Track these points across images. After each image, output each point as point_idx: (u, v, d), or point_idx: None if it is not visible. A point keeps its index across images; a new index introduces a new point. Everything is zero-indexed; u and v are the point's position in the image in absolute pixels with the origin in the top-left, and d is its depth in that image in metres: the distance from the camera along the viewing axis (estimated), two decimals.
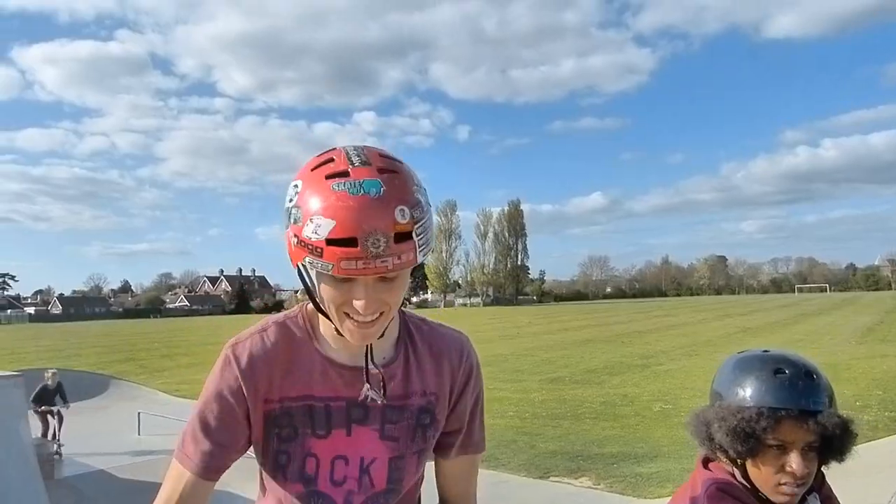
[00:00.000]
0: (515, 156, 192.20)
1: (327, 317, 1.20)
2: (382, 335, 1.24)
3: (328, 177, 1.09)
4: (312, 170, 1.12)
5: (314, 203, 1.08)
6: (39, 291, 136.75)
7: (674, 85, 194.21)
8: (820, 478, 1.51)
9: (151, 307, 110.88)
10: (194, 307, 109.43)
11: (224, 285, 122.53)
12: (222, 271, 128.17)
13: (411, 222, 1.09)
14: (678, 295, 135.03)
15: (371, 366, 1.25)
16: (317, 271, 1.12)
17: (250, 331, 1.30)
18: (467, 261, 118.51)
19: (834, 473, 1.46)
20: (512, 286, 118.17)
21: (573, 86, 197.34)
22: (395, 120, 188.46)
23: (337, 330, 1.21)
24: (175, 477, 1.27)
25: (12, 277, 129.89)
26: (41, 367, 16.75)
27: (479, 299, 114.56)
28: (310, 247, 1.08)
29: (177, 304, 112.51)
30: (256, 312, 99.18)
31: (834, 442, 1.34)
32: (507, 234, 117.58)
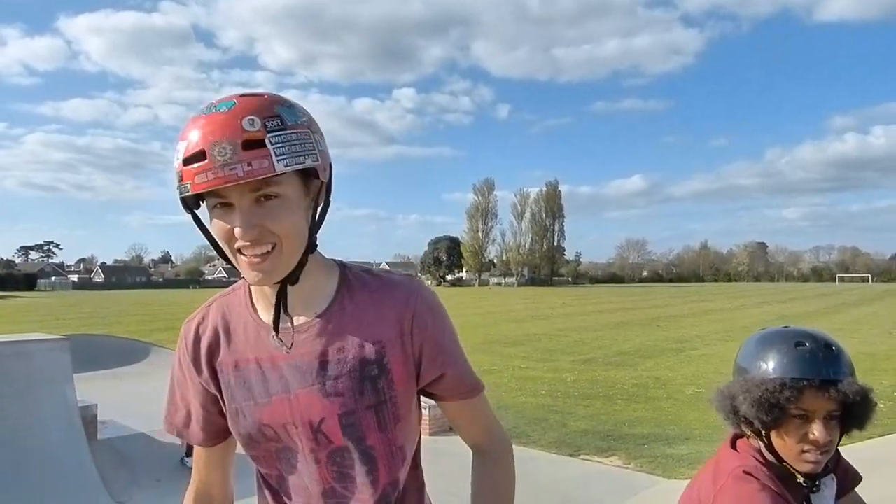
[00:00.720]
0: (556, 136, 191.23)
1: (230, 264, 1.18)
2: (294, 281, 1.20)
3: (194, 115, 1.13)
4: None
5: (180, 137, 1.11)
6: (83, 260, 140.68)
7: (720, 67, 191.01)
8: (836, 456, 1.58)
9: (191, 278, 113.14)
10: (232, 279, 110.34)
11: None
12: None
13: (262, 130, 1.07)
14: (716, 281, 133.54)
15: (285, 318, 1.21)
16: (209, 211, 1.14)
17: (201, 308, 1.35)
18: (503, 240, 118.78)
19: (868, 465, 1.49)
20: (547, 267, 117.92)
21: (617, 66, 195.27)
22: (435, 97, 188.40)
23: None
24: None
25: (57, 245, 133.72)
26: (85, 333, 17.27)
27: (513, 279, 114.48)
28: (177, 175, 1.09)
29: (215, 276, 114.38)
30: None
31: (854, 410, 1.42)
32: (544, 215, 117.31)
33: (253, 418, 1.24)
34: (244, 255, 1.12)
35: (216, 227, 1.12)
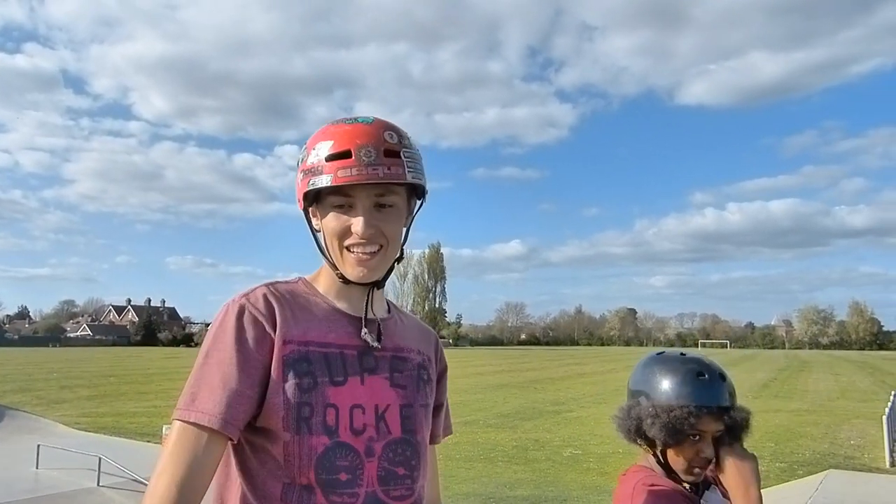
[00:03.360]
0: (438, 199, 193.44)
1: (330, 263, 1.33)
2: (382, 285, 1.38)
3: (331, 123, 1.32)
4: (323, 128, 1.33)
5: (317, 139, 1.29)
6: None
7: (592, 141, 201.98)
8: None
9: (51, 335, 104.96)
10: (98, 337, 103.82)
11: (131, 315, 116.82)
12: (129, 300, 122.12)
13: (399, 145, 1.27)
14: (589, 344, 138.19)
15: (371, 314, 1.35)
16: (321, 210, 1.29)
17: (253, 286, 1.32)
18: None
19: None
20: None
21: (496, 134, 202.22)
22: None
23: (341, 277, 1.32)
24: (186, 440, 1.16)
25: None
26: None
27: None
28: (312, 170, 1.26)
29: (79, 333, 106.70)
30: (164, 345, 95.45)
31: (736, 430, 1.67)
32: (426, 277, 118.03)
33: (322, 395, 1.23)
34: (354, 251, 1.28)
35: (333, 222, 1.28)
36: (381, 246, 1.29)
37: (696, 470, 1.67)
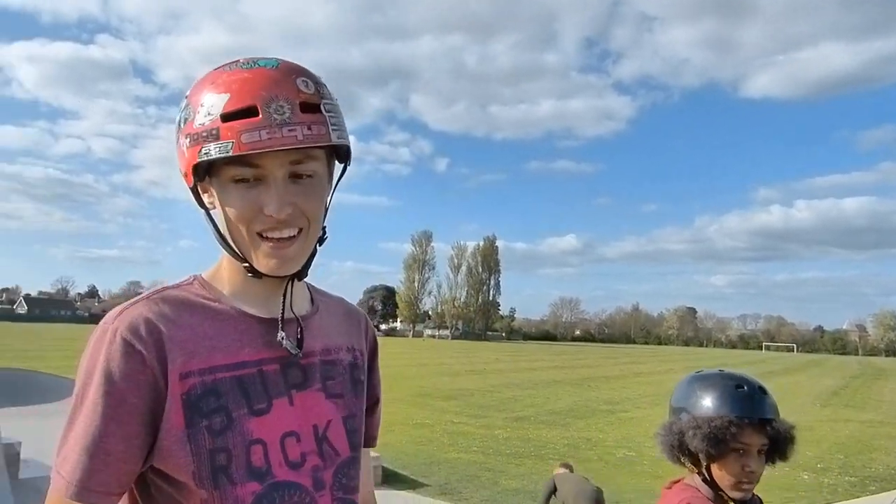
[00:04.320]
0: (492, 191, 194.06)
1: (235, 255, 1.02)
2: (303, 276, 1.06)
3: (217, 68, 1.00)
4: (202, 76, 1.01)
5: (204, 92, 0.96)
6: (6, 290, 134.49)
7: (651, 134, 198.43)
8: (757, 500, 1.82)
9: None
10: None
11: None
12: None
13: (317, 95, 0.97)
14: (646, 343, 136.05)
15: (289, 313, 1.05)
16: (219, 186, 0.98)
17: (132, 301, 1.01)
18: (439, 292, 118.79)
19: None
20: (482, 321, 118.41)
21: (551, 126, 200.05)
22: (375, 146, 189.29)
23: (250, 269, 1.01)
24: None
25: None
26: (8, 368, 16.50)
27: (447, 332, 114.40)
28: (204, 134, 0.93)
29: None
30: None
31: (780, 444, 1.69)
32: (480, 269, 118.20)
33: (241, 432, 0.97)
34: (267, 237, 0.98)
35: (237, 202, 0.97)
36: (301, 229, 0.99)
37: (745, 486, 1.67)
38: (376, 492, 1.34)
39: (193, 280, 1.07)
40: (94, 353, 0.94)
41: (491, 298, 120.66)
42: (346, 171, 1.06)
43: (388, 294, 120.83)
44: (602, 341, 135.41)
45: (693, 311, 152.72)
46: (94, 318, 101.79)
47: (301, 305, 1.11)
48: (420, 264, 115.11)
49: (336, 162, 1.05)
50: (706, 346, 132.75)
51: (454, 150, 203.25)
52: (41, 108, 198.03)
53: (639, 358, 54.69)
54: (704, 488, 1.72)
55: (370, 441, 1.24)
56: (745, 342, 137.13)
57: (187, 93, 1.00)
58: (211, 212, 1.02)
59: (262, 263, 0.99)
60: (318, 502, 1.02)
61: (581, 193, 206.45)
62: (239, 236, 0.99)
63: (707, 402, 1.72)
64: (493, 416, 15.05)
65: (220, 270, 1.08)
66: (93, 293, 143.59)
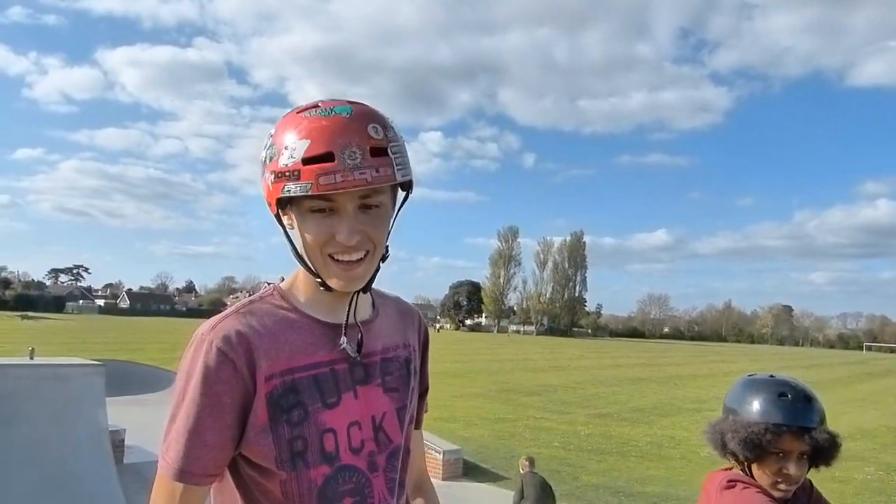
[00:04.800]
0: (580, 186, 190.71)
1: (310, 270, 1.18)
2: (368, 290, 1.23)
3: (299, 111, 1.14)
4: (284, 115, 1.16)
5: (287, 135, 1.10)
6: (109, 285, 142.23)
7: (748, 126, 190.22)
8: (809, 485, 1.92)
9: (213, 308, 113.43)
10: None
11: None
12: (283, 278, 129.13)
13: (385, 140, 1.10)
14: (738, 342, 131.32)
15: (351, 320, 1.22)
16: (298, 214, 1.13)
17: (224, 314, 1.18)
18: (524, 288, 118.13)
19: None
20: (567, 317, 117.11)
21: (642, 119, 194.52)
22: (462, 142, 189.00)
23: (322, 284, 1.18)
24: (161, 488, 1.13)
25: (86, 269, 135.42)
26: (113, 359, 17.59)
27: (532, 328, 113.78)
28: (287, 173, 1.08)
29: None
30: None
31: (822, 452, 1.73)
32: (566, 265, 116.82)
33: (316, 423, 1.15)
34: (338, 259, 1.14)
35: (313, 230, 1.12)
36: (368, 252, 1.15)
37: (781, 486, 1.75)
38: (458, 483, 1.64)
39: (273, 290, 1.25)
40: (193, 359, 1.12)
41: (577, 294, 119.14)
42: (408, 199, 1.22)
43: (474, 289, 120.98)
44: (692, 339, 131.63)
45: (789, 308, 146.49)
46: (192, 313, 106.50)
47: (364, 311, 1.28)
48: (506, 260, 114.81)
49: (400, 190, 1.20)
50: (802, 346, 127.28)
51: (542, 145, 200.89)
52: (142, 110, 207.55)
53: (729, 356, 53.05)
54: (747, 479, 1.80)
55: (418, 424, 1.43)
56: (845, 342, 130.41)
57: (271, 131, 1.16)
58: (289, 231, 1.18)
59: (335, 282, 1.16)
60: (372, 482, 1.21)
61: (673, 188, 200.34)
62: (314, 256, 1.15)
63: (750, 407, 1.80)
64: (576, 412, 15.03)
65: (297, 282, 1.26)
66: (190, 288, 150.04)
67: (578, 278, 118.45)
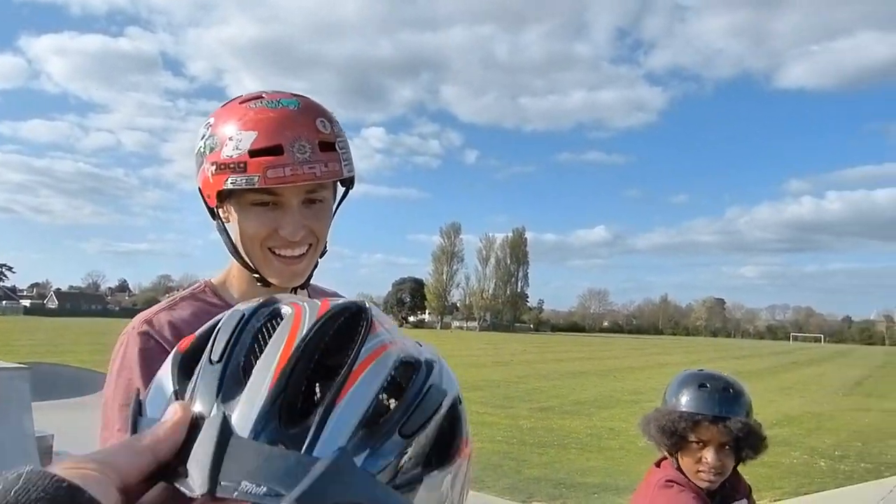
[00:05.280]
0: (521, 183, 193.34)
1: (246, 266, 1.15)
2: (307, 284, 1.23)
3: (242, 101, 1.11)
4: (224, 105, 1.13)
5: (231, 125, 1.07)
6: (36, 284, 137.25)
7: (682, 125, 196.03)
8: (747, 489, 2.03)
9: (148, 308, 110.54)
10: None
11: None
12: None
13: (332, 134, 1.11)
14: (674, 334, 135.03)
15: None
16: (238, 207, 1.10)
17: (152, 309, 1.16)
18: (467, 284, 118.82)
19: None
20: (510, 313, 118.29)
21: (581, 118, 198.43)
22: (404, 138, 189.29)
23: (260, 279, 1.16)
24: None
25: (10, 268, 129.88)
26: (40, 361, 16.94)
27: (475, 324, 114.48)
28: (231, 165, 1.05)
29: None
30: None
31: (742, 442, 1.83)
32: (508, 261, 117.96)
33: None
34: (279, 254, 1.13)
35: (254, 224, 1.11)
36: (310, 246, 1.16)
37: (703, 475, 1.86)
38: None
39: (204, 286, 1.22)
40: (125, 354, 1.10)
41: (519, 290, 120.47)
42: (354, 188, 1.22)
43: (417, 286, 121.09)
44: (630, 332, 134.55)
45: (722, 301, 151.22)
46: (126, 312, 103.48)
47: None
48: (448, 256, 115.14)
49: (340, 185, 1.20)
50: (734, 337, 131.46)
51: (484, 141, 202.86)
52: (70, 101, 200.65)
53: (666, 349, 54.40)
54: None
55: None
56: (773, 333, 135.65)
57: (210, 121, 1.12)
58: (226, 224, 1.15)
59: (275, 276, 1.15)
60: None
61: (611, 185, 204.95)
62: (253, 250, 1.14)
63: (674, 398, 1.94)
64: (518, 406, 15.16)
65: (230, 278, 1.23)
66: (123, 287, 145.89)
67: (520, 274, 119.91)
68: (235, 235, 1.14)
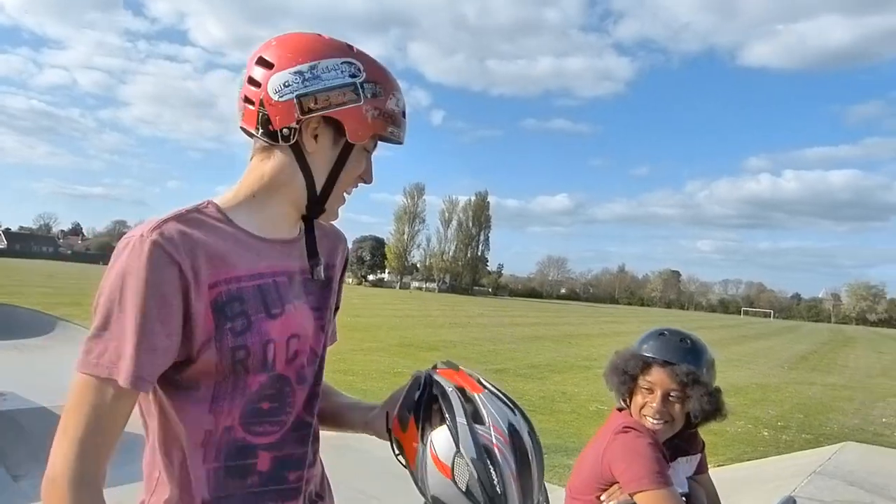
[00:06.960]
0: (487, 146, 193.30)
1: (312, 198, 1.24)
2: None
3: (367, 55, 1.25)
4: (361, 53, 1.23)
5: (386, 82, 1.23)
6: None
7: (648, 97, 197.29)
8: (702, 444, 2.12)
9: (102, 253, 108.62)
10: None
11: None
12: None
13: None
14: (629, 304, 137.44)
15: (296, 237, 1.29)
16: (358, 146, 1.23)
17: (162, 218, 1.10)
18: (428, 245, 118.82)
19: (740, 483, 1.85)
20: (469, 276, 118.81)
21: (549, 85, 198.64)
22: None
23: (312, 211, 1.26)
24: (93, 396, 1.03)
25: None
26: None
27: (434, 285, 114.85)
28: (392, 118, 1.24)
29: None
30: None
31: (688, 391, 1.89)
32: (470, 224, 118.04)
33: (259, 332, 1.13)
34: (346, 195, 1.30)
35: (359, 166, 1.27)
36: None
37: (648, 419, 1.92)
38: (355, 435, 1.56)
39: (208, 204, 1.20)
40: (130, 262, 1.04)
41: (479, 254, 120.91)
42: None
43: (378, 245, 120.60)
44: (587, 301, 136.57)
45: (677, 274, 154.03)
46: (78, 257, 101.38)
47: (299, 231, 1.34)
48: (411, 216, 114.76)
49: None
50: (687, 309, 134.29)
51: (451, 103, 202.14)
52: (23, 34, 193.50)
53: (620, 318, 55.36)
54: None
55: (333, 339, 1.44)
56: (725, 306, 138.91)
57: (357, 63, 1.20)
58: (306, 151, 1.21)
59: (332, 216, 1.30)
60: (296, 392, 1.23)
61: (575, 153, 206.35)
62: (340, 187, 1.26)
63: (635, 345, 2.03)
64: (473, 367, 14.81)
65: (239, 201, 1.23)
66: (76, 231, 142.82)
67: (482, 238, 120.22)
68: (321, 165, 1.22)
